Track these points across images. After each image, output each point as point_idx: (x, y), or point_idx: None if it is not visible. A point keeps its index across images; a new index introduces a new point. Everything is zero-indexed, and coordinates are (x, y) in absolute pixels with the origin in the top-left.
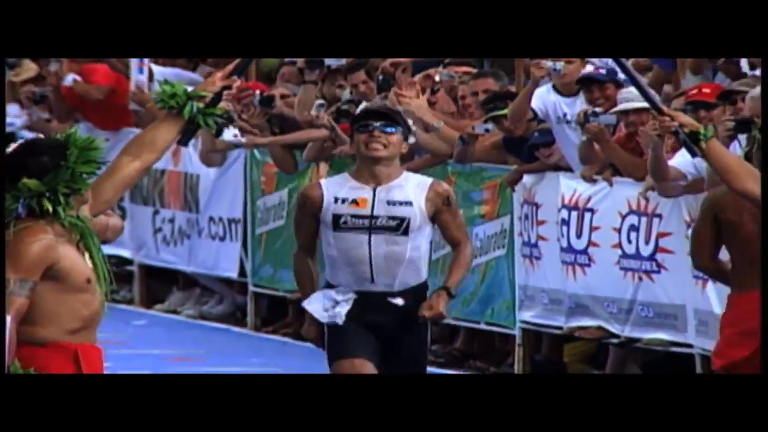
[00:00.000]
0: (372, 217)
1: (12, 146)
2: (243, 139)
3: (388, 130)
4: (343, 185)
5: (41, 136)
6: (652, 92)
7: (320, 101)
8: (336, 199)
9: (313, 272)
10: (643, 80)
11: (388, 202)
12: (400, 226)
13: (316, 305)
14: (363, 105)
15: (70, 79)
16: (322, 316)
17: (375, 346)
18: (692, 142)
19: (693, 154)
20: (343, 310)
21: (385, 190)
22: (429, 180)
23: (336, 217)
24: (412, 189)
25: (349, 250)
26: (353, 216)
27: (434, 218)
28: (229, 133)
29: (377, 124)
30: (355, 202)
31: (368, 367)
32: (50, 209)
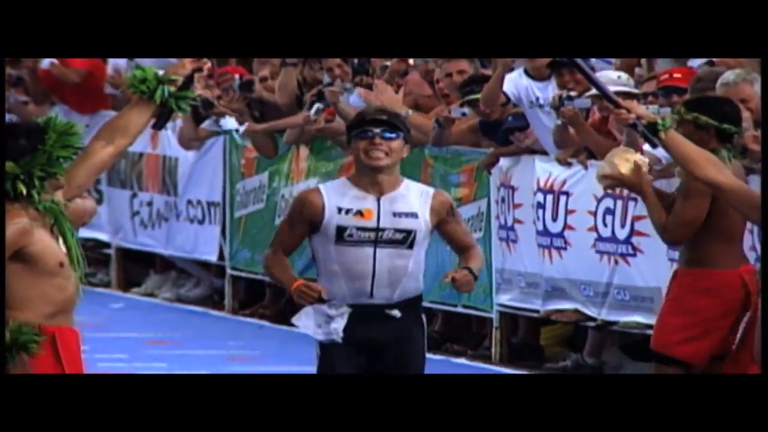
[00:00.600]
0: (378, 230)
1: None
2: (242, 127)
3: (389, 135)
4: (345, 193)
5: (17, 118)
6: (606, 87)
7: (319, 105)
8: (339, 210)
9: (289, 266)
10: (596, 76)
11: (394, 214)
12: (407, 239)
13: (307, 321)
14: (360, 108)
15: (47, 62)
16: (316, 333)
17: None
18: (651, 133)
19: (653, 145)
20: (339, 325)
21: (389, 200)
22: (430, 190)
23: (340, 230)
24: (415, 199)
25: (352, 265)
26: (359, 228)
27: (438, 228)
28: (230, 122)
29: (377, 130)
30: (360, 213)
31: None
32: (24, 192)
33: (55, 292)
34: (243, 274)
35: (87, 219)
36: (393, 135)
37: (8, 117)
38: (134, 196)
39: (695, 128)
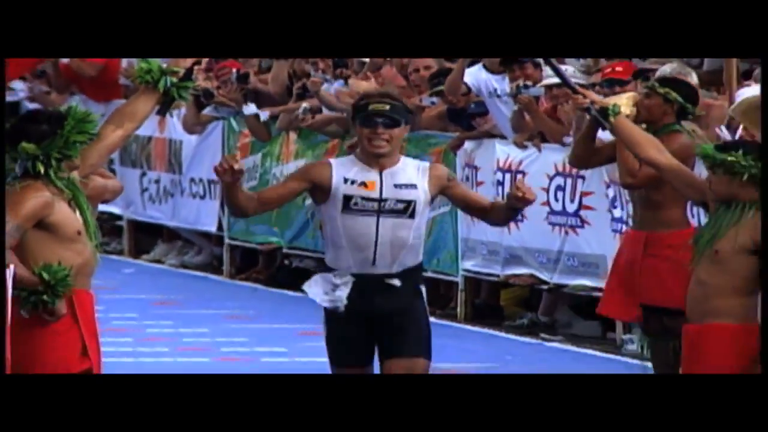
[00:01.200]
0: (381, 200)
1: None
2: (266, 113)
3: (390, 122)
4: (350, 167)
5: (41, 107)
6: (567, 74)
7: (306, 105)
8: (345, 180)
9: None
10: (558, 65)
11: (395, 186)
12: (407, 209)
13: (315, 289)
14: (365, 92)
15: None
16: (322, 300)
17: (369, 343)
18: (602, 117)
19: (603, 128)
20: (343, 293)
21: (390, 174)
22: (426, 164)
23: (347, 198)
24: (413, 173)
25: (356, 234)
26: (363, 198)
27: (447, 195)
28: (251, 108)
29: (380, 120)
30: (363, 184)
31: (363, 371)
32: (42, 171)
33: (74, 256)
34: (239, 243)
35: (110, 196)
36: (393, 123)
37: (32, 105)
38: (144, 174)
39: (663, 101)
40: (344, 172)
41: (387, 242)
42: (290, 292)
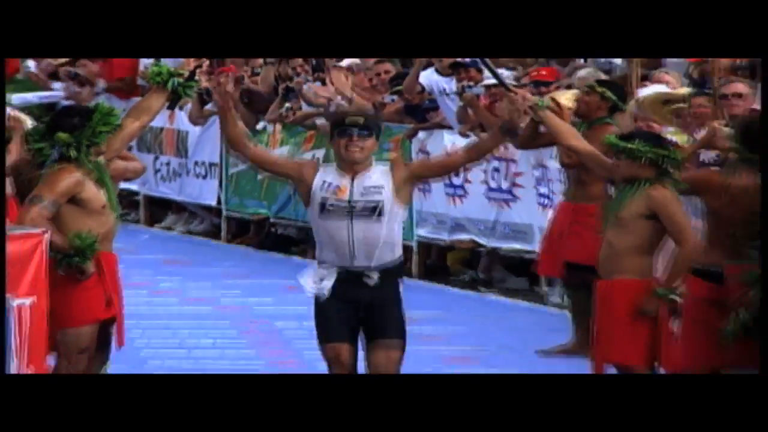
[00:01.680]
0: (351, 203)
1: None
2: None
3: (364, 133)
4: (330, 172)
5: (74, 103)
6: (503, 77)
7: (288, 104)
8: (323, 182)
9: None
10: (497, 69)
11: (363, 189)
12: (375, 210)
13: (305, 279)
14: (342, 110)
15: (101, 85)
16: (310, 288)
17: (352, 324)
18: (532, 111)
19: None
20: (328, 284)
21: (360, 178)
22: (387, 164)
23: (322, 203)
24: (380, 176)
25: (333, 234)
26: (336, 201)
27: (420, 176)
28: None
29: (354, 130)
30: (338, 187)
31: (345, 349)
32: (74, 156)
33: (99, 226)
34: (234, 214)
35: (131, 176)
36: (367, 134)
37: (66, 102)
38: (156, 158)
39: (600, 98)
40: (324, 176)
41: (361, 240)
42: (276, 254)
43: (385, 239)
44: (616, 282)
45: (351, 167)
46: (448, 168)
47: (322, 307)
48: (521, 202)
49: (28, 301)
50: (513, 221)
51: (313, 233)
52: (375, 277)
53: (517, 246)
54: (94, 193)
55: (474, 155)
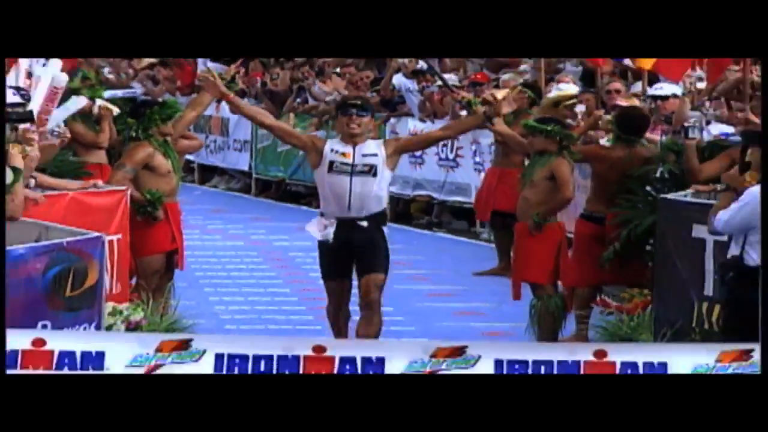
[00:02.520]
0: (353, 165)
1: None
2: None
3: (361, 113)
4: (336, 143)
5: (148, 98)
6: (446, 78)
7: (299, 99)
8: (332, 149)
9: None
10: (442, 74)
11: (362, 155)
12: (371, 170)
13: (312, 227)
14: (344, 96)
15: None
16: (316, 235)
17: (347, 264)
18: (467, 106)
19: (468, 112)
20: (330, 230)
21: (359, 148)
22: (381, 140)
23: (331, 163)
24: (374, 147)
25: (336, 188)
26: (341, 163)
27: (405, 149)
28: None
29: (354, 110)
30: (343, 153)
31: (340, 283)
32: (136, 135)
33: (166, 185)
34: (260, 177)
35: (192, 151)
36: (364, 113)
37: (143, 97)
38: (207, 137)
39: (524, 95)
40: (332, 145)
41: (357, 193)
42: (290, 205)
43: (375, 193)
44: (540, 232)
45: (352, 138)
46: (430, 142)
47: (325, 251)
48: (462, 167)
49: (116, 238)
50: (456, 181)
51: (318, 190)
52: (365, 224)
53: (459, 199)
54: (162, 162)
55: (450, 134)
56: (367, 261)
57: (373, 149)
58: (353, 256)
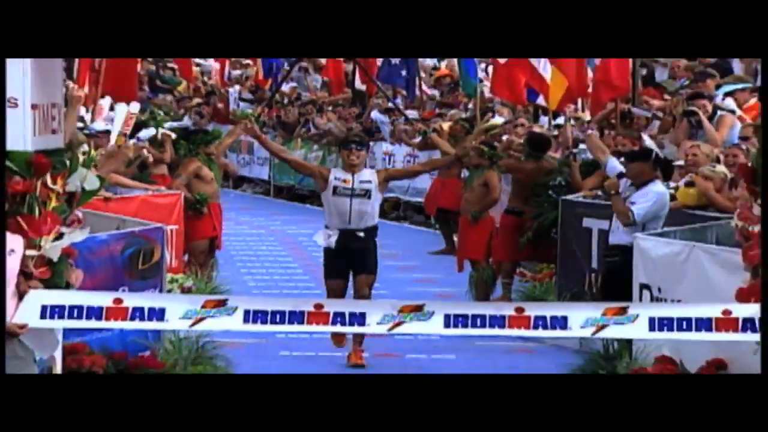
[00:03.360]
0: (352, 189)
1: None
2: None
3: (359, 148)
4: (339, 171)
5: (196, 127)
6: (407, 114)
7: (304, 129)
8: (335, 177)
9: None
10: (404, 111)
11: (360, 181)
12: (366, 194)
13: (318, 237)
14: (346, 134)
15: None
16: (323, 243)
17: (344, 268)
18: (422, 133)
19: (423, 138)
20: (333, 239)
21: (357, 176)
22: (374, 169)
23: (335, 188)
24: (369, 175)
25: (339, 207)
26: (343, 188)
27: (391, 178)
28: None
29: (353, 146)
30: (345, 180)
31: (338, 283)
32: (185, 153)
33: (210, 189)
34: (278, 184)
35: (231, 173)
36: (361, 148)
37: (192, 127)
38: (237, 155)
39: (464, 130)
40: (336, 173)
41: (356, 211)
42: (298, 204)
43: (370, 211)
44: (476, 224)
45: (351, 168)
46: (411, 174)
47: (327, 256)
48: (420, 178)
49: (173, 228)
50: (417, 187)
51: (324, 207)
52: (362, 234)
53: (419, 199)
54: (207, 173)
55: (428, 169)
56: (361, 264)
57: (368, 177)
58: (350, 260)
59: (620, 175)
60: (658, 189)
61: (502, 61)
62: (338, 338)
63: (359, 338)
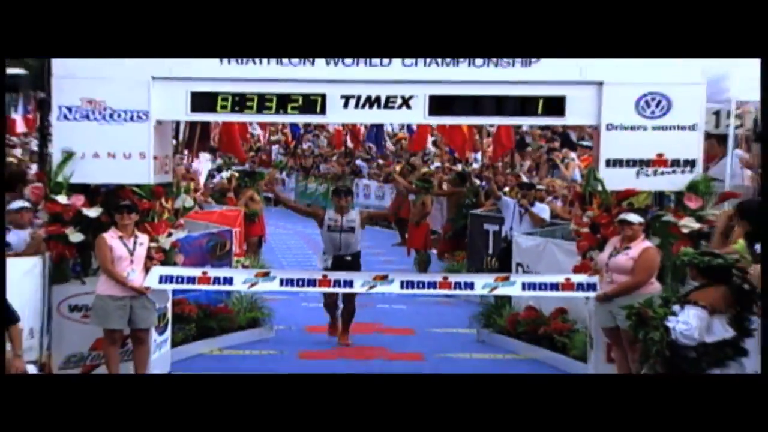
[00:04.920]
0: (341, 226)
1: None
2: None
3: (347, 195)
4: (332, 213)
5: (250, 169)
6: (379, 162)
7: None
8: (329, 217)
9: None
10: (378, 160)
11: (347, 220)
12: (352, 229)
13: (319, 261)
14: (335, 184)
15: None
16: (321, 265)
17: None
18: (389, 176)
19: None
20: (329, 262)
21: (345, 216)
22: (357, 210)
23: (328, 225)
24: (354, 215)
25: (331, 239)
26: (334, 225)
27: (367, 220)
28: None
29: (342, 193)
30: (336, 220)
31: (331, 294)
32: (245, 185)
33: (258, 206)
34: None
35: (281, 197)
36: (348, 194)
37: (248, 168)
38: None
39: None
40: (329, 214)
41: (344, 242)
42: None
43: (353, 242)
44: (418, 227)
45: (340, 210)
46: (381, 217)
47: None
48: (385, 198)
49: (237, 230)
50: (384, 205)
51: (322, 239)
52: (349, 258)
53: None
54: (256, 197)
55: (389, 214)
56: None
57: (353, 216)
58: None
59: (527, 190)
60: (544, 205)
61: (447, 126)
62: (332, 329)
63: (346, 327)
